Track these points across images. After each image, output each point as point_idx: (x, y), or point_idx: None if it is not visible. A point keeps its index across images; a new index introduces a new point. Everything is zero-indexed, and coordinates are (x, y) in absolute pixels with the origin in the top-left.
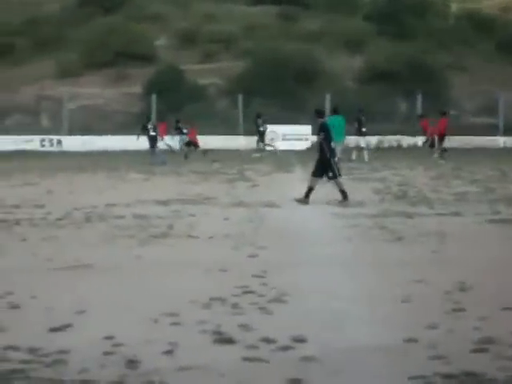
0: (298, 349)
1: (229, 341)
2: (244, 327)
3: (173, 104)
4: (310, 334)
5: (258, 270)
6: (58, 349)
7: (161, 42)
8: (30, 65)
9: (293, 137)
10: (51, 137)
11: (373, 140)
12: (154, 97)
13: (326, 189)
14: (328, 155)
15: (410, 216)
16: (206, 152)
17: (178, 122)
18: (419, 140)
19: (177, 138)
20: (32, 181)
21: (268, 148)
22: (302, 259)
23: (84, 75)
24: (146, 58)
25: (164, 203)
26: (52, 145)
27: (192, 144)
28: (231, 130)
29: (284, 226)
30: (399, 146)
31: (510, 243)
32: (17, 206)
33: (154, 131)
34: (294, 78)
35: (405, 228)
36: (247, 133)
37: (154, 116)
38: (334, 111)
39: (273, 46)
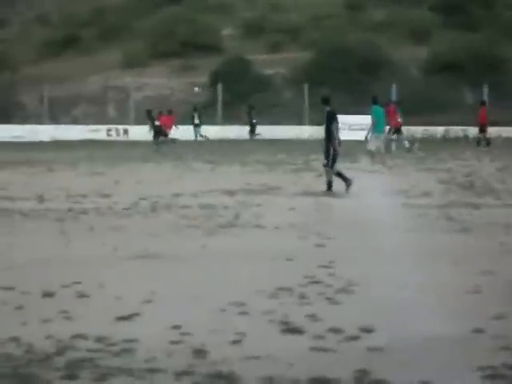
0: (365, 339)
1: (296, 331)
2: (311, 317)
3: (238, 94)
4: (377, 325)
5: (324, 259)
6: (126, 338)
7: (227, 31)
8: (97, 55)
9: (359, 127)
10: (117, 126)
11: (439, 131)
12: (219, 87)
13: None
14: (331, 143)
15: (476, 207)
16: (174, 141)
17: (149, 112)
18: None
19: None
20: (99, 170)
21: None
22: (368, 249)
23: (150, 65)
24: (211, 48)
25: (230, 193)
26: (118, 134)
27: (161, 132)
28: (297, 120)
29: (350, 215)
30: (465, 137)
31: None
32: (84, 196)
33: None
34: (359, 67)
35: (471, 219)
36: (313, 123)
37: (219, 106)
38: (374, 101)
39: (339, 36)
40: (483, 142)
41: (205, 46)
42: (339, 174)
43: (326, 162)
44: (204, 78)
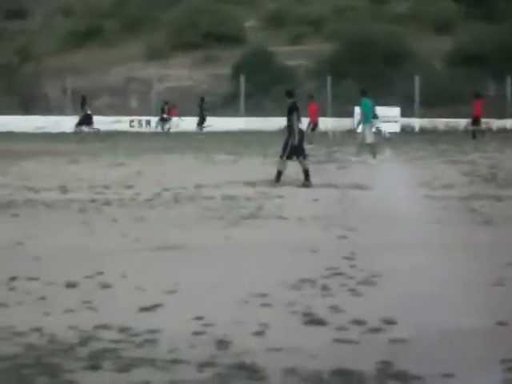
0: (388, 331)
1: (319, 322)
2: (334, 309)
3: (261, 85)
4: (400, 316)
5: (347, 251)
6: (148, 328)
7: (250, 23)
8: (119, 46)
9: (382, 118)
10: (140, 117)
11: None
12: (242, 78)
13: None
14: (291, 135)
15: (499, 199)
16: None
17: (83, 98)
18: (507, 123)
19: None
20: (121, 161)
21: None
22: (391, 241)
23: (172, 57)
24: (234, 39)
25: (252, 184)
26: (141, 125)
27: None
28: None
29: (373, 207)
30: (488, 129)
31: None
32: (106, 187)
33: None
34: (382, 60)
35: (494, 211)
36: (335, 114)
37: (242, 98)
38: (363, 94)
39: (361, 27)
40: (480, 133)
41: (227, 38)
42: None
43: (281, 153)
44: (226, 70)
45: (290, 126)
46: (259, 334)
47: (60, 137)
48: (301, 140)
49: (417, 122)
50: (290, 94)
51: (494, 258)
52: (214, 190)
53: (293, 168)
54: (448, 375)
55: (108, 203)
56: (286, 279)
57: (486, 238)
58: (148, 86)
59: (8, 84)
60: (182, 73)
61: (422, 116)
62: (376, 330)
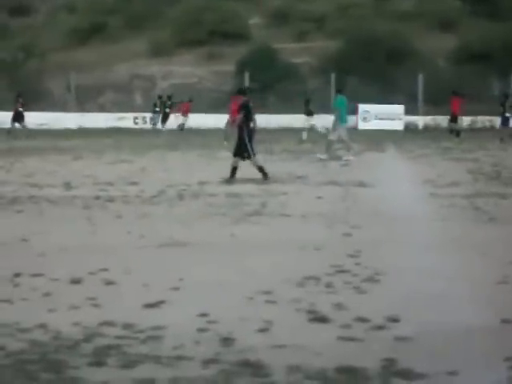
0: (392, 328)
1: (323, 320)
2: (338, 306)
3: (265, 82)
4: (404, 314)
5: (351, 249)
6: (153, 325)
7: (254, 20)
8: (123, 43)
9: (385, 116)
10: (144, 114)
11: (466, 120)
12: (246, 75)
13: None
14: (244, 135)
15: (503, 197)
16: (10, 131)
17: (18, 95)
18: None
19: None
20: (125, 158)
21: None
22: (395, 239)
23: (176, 53)
24: (238, 36)
25: (256, 181)
26: (145, 122)
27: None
28: (323, 109)
29: (377, 205)
30: (492, 127)
31: None
32: (111, 183)
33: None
34: (386, 57)
35: (499, 209)
36: None
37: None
38: (339, 92)
39: (366, 25)
40: (455, 131)
41: (231, 35)
42: (235, 168)
43: (245, 154)
44: (230, 67)
45: (240, 125)
46: (263, 331)
47: (64, 133)
48: (250, 139)
49: (420, 120)
50: (242, 92)
51: (498, 255)
52: (217, 187)
53: (295, 165)
54: (452, 373)
55: (112, 200)
56: (290, 276)
57: (490, 235)
58: (152, 83)
59: (12, 80)
60: (186, 70)
61: (425, 114)
62: (380, 328)
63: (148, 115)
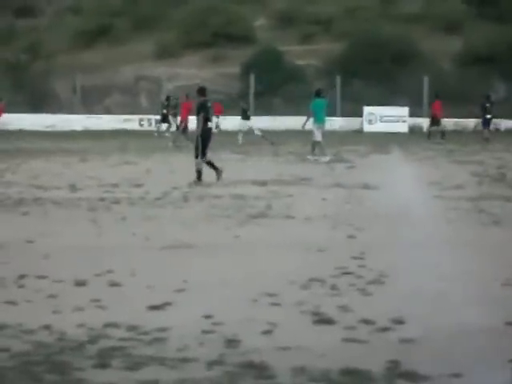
0: (396, 330)
1: (328, 321)
2: (343, 308)
3: (270, 85)
4: (409, 316)
5: (356, 251)
6: (158, 327)
7: (259, 22)
8: (129, 45)
9: (390, 118)
10: (149, 116)
11: (471, 123)
12: (252, 77)
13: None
14: (199, 135)
15: (508, 199)
16: None
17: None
18: None
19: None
20: (130, 160)
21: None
22: (400, 241)
23: (182, 55)
24: (244, 38)
25: (261, 183)
26: (150, 124)
27: None
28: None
29: (382, 207)
30: (497, 130)
31: None
32: (116, 185)
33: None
34: (391, 59)
35: (503, 211)
36: (345, 114)
37: (251, 97)
38: (317, 94)
39: (371, 27)
40: (438, 134)
41: (237, 37)
42: (209, 163)
43: (196, 153)
44: (236, 69)
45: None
46: (268, 332)
47: (69, 135)
48: (204, 139)
49: (425, 122)
50: (201, 91)
51: (503, 258)
52: (222, 189)
53: (300, 167)
54: (456, 375)
55: (117, 202)
56: (294, 278)
57: (495, 238)
58: (158, 85)
59: (18, 82)
60: (191, 72)
61: (430, 116)
62: (385, 330)
63: (153, 117)
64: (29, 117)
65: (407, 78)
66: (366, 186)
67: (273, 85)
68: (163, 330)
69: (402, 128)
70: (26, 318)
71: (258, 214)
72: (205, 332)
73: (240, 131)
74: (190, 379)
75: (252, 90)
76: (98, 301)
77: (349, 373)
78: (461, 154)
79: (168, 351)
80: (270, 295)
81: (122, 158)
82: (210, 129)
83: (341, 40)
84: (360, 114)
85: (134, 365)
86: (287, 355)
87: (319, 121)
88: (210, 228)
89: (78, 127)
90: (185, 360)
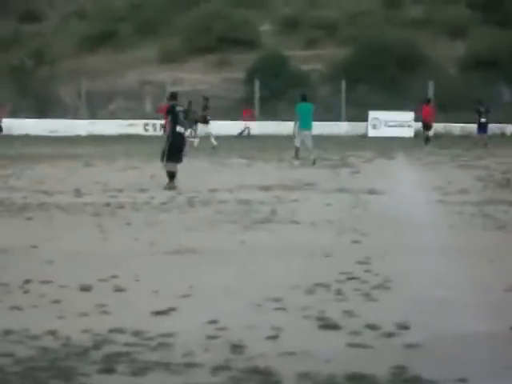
0: (402, 335)
1: (333, 327)
2: (348, 313)
3: (275, 90)
4: (414, 321)
5: (361, 256)
6: (163, 332)
7: (264, 27)
8: (134, 50)
9: (396, 123)
10: (154, 121)
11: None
12: (256, 82)
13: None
14: (168, 139)
15: None
16: None
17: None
18: None
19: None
20: (135, 165)
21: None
22: (405, 246)
23: (186, 60)
24: (248, 43)
25: (266, 189)
26: (155, 129)
27: None
28: (333, 116)
29: (387, 212)
30: (503, 134)
31: None
32: (120, 190)
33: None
34: (396, 64)
35: (508, 216)
36: (350, 119)
37: (256, 102)
38: (303, 99)
39: (376, 32)
40: (424, 139)
41: (242, 42)
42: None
43: (160, 157)
44: (240, 74)
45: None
46: (273, 338)
47: (74, 140)
48: (171, 144)
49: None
50: (173, 96)
51: (508, 263)
52: (228, 194)
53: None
54: (462, 380)
55: (122, 207)
56: (299, 283)
57: (499, 243)
58: (162, 90)
59: (22, 87)
60: (196, 77)
61: (435, 121)
62: (390, 335)
63: (158, 122)
64: (33, 122)
65: (412, 82)
66: (371, 191)
67: (277, 90)
68: (168, 335)
69: (408, 133)
70: (31, 324)
71: (263, 219)
72: (210, 337)
73: (196, 136)
74: None
75: (257, 95)
76: (102, 306)
77: (354, 378)
78: (465, 158)
79: (173, 356)
80: (275, 300)
81: (126, 162)
82: (180, 133)
83: (345, 45)
84: (365, 119)
85: (139, 370)
86: (292, 360)
87: (302, 125)
88: (214, 233)
89: (83, 132)
90: (190, 365)
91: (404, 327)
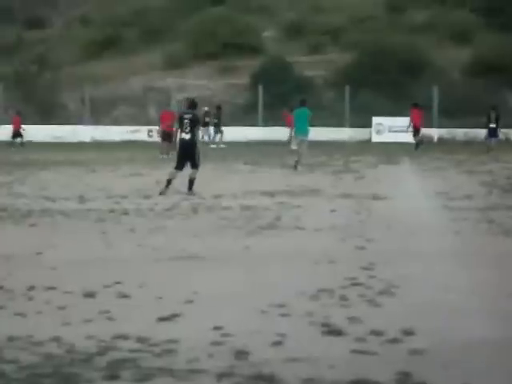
0: (407, 341)
1: (337, 333)
2: (352, 319)
3: (279, 95)
4: (419, 327)
5: (365, 262)
6: (167, 338)
7: (268, 33)
8: (138, 56)
9: (399, 129)
10: (158, 127)
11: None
12: (260, 88)
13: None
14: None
15: None
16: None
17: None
18: None
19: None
20: (139, 171)
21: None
22: (409, 252)
23: (191, 66)
24: (252, 49)
25: (270, 194)
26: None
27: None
28: (337, 122)
29: (391, 218)
30: (507, 140)
31: None
32: (124, 196)
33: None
34: (400, 70)
35: None
36: (353, 125)
37: (260, 107)
38: (301, 104)
39: (380, 37)
40: (419, 144)
41: (246, 48)
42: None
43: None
44: (245, 80)
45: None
46: (278, 344)
47: (78, 146)
48: (178, 150)
49: (435, 133)
50: (193, 104)
51: None
52: (232, 200)
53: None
54: None
55: (126, 213)
56: (304, 289)
57: (504, 248)
58: (166, 96)
59: (26, 93)
60: (200, 83)
61: (440, 126)
62: (395, 341)
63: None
64: (37, 128)
65: (416, 88)
66: (375, 197)
67: (281, 95)
68: (172, 341)
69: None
70: (35, 330)
71: (268, 225)
72: (214, 343)
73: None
74: None
75: (261, 101)
76: (106, 312)
77: None
78: (470, 164)
79: (177, 363)
80: (280, 306)
81: (130, 169)
82: (183, 140)
83: (349, 50)
84: (369, 125)
85: (144, 376)
86: (297, 367)
87: (298, 130)
88: (219, 239)
89: (87, 138)
90: (194, 372)
91: (409, 333)
